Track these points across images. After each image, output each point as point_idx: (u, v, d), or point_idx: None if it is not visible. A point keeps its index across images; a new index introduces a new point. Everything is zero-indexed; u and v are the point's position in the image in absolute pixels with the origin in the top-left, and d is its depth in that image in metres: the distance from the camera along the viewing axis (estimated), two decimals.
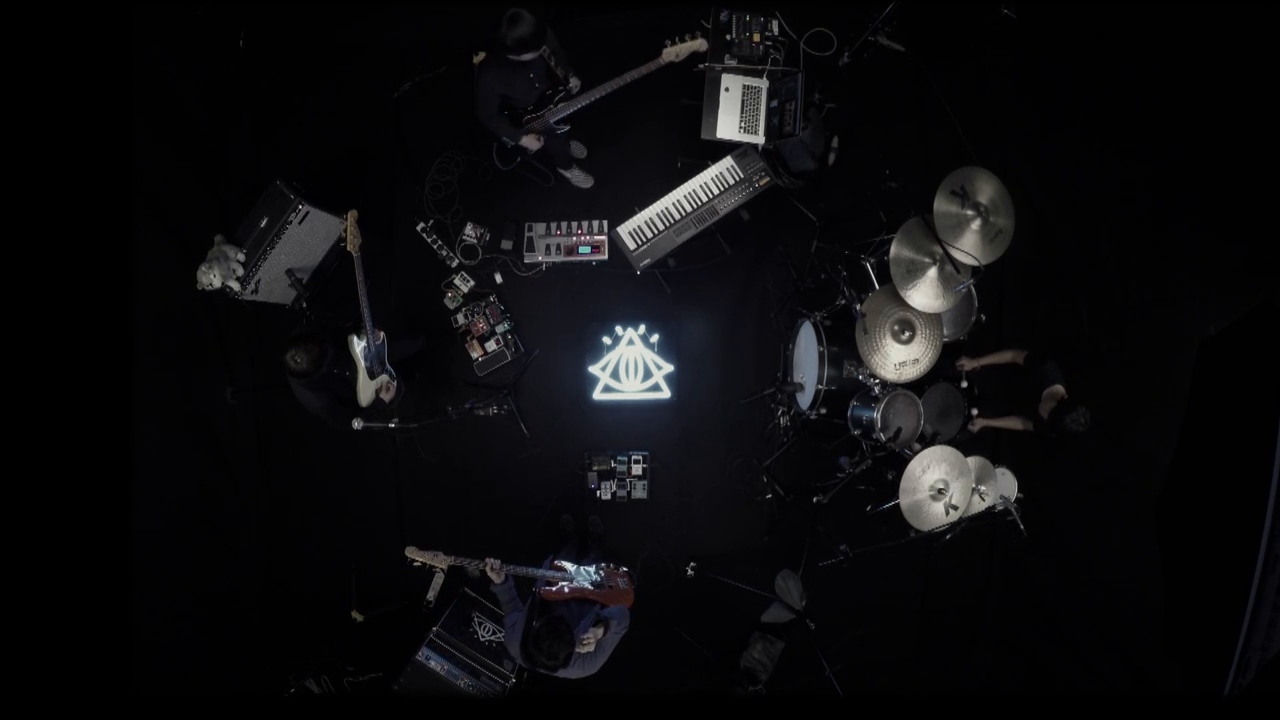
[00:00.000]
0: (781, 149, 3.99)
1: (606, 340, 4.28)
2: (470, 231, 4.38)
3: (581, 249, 4.27)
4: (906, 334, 3.40)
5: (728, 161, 3.84)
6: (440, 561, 3.26)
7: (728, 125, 3.82)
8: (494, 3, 4.27)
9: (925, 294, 3.26)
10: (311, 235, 3.97)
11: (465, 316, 4.38)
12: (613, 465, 4.39)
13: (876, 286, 3.57)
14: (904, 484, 3.28)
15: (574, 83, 3.70)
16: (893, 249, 3.22)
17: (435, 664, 3.99)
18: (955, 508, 3.33)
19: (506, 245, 4.39)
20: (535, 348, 4.42)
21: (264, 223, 3.79)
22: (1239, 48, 3.18)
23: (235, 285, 3.80)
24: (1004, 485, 3.58)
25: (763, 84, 3.80)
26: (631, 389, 4.33)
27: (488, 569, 3.25)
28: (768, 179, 3.83)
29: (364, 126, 4.43)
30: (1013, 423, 3.63)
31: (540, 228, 4.29)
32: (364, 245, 3.38)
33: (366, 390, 3.52)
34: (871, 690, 4.36)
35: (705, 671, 4.38)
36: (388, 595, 4.35)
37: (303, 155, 4.36)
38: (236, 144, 4.34)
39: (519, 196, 4.39)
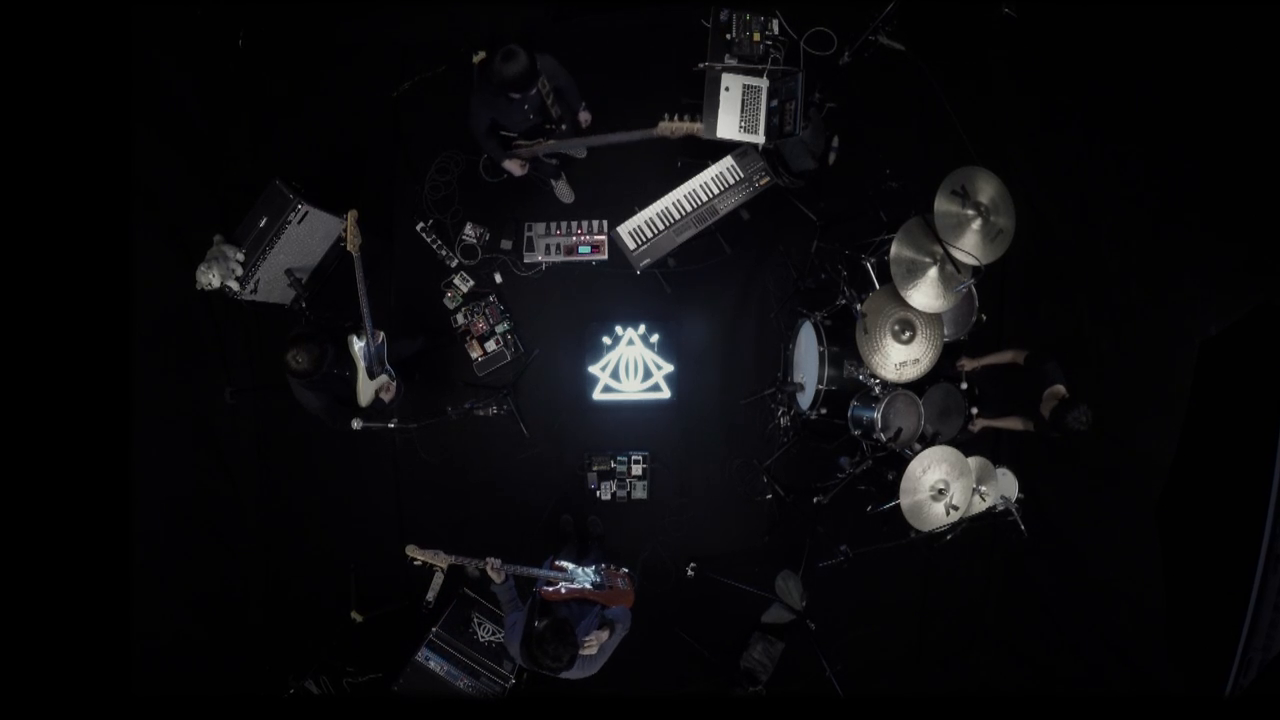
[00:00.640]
0: (782, 148, 3.99)
1: (606, 340, 4.27)
2: (470, 231, 4.37)
3: (581, 249, 4.26)
4: (907, 334, 3.39)
5: (728, 161, 3.83)
6: (441, 560, 3.25)
7: (728, 125, 3.81)
8: (494, 2, 4.30)
9: (926, 294, 3.26)
10: (311, 235, 3.97)
11: (465, 316, 4.37)
12: (613, 465, 4.38)
13: (877, 286, 3.57)
14: (904, 484, 3.28)
15: (584, 116, 3.72)
16: (893, 249, 3.22)
17: (435, 665, 3.98)
18: (956, 508, 3.33)
19: (506, 245, 4.38)
20: (535, 348, 4.42)
21: (263, 222, 3.78)
22: (1239, 48, 3.17)
23: (234, 285, 3.79)
24: (1005, 486, 3.58)
25: (763, 83, 3.79)
26: (631, 389, 4.32)
27: (488, 568, 3.25)
28: (768, 178, 3.82)
29: (363, 126, 4.42)
30: (1013, 423, 3.63)
31: (540, 227, 4.29)
32: (363, 245, 3.37)
33: (366, 390, 3.51)
34: (872, 691, 4.36)
35: (705, 672, 4.37)
36: (387, 596, 4.34)
37: (302, 155, 4.35)
38: (236, 143, 4.33)
39: (519, 196, 4.39)
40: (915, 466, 3.27)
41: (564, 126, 3.49)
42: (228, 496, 4.43)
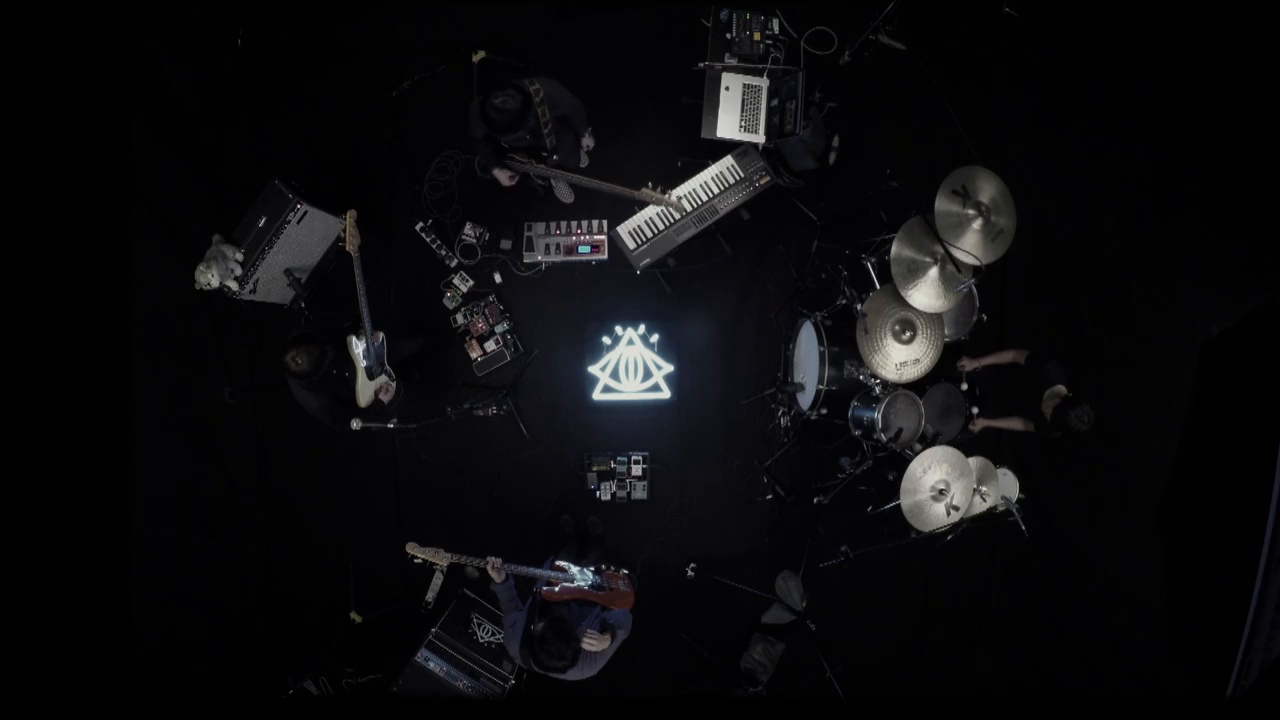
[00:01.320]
0: (782, 148, 3.98)
1: (606, 340, 4.26)
2: (469, 231, 4.36)
3: (581, 248, 4.25)
4: (908, 334, 3.39)
5: (728, 161, 3.82)
6: (441, 559, 3.25)
7: (728, 124, 3.81)
8: (494, 2, 4.29)
9: (926, 294, 3.25)
10: (310, 235, 3.96)
11: (464, 316, 4.36)
12: (612, 466, 4.37)
13: (877, 286, 3.56)
14: (905, 485, 3.27)
15: (587, 142, 3.72)
16: (894, 248, 3.21)
17: (434, 665, 3.97)
18: (956, 508, 3.32)
19: (506, 245, 4.37)
20: (535, 348, 4.41)
21: (262, 222, 3.78)
22: (1239, 48, 3.17)
23: (233, 285, 3.78)
24: (1005, 486, 3.57)
25: (763, 83, 3.78)
26: (631, 389, 4.31)
27: (489, 568, 3.24)
28: (768, 178, 3.82)
29: (363, 125, 4.40)
30: (1014, 423, 3.62)
31: (540, 227, 4.28)
32: (362, 245, 3.36)
33: (365, 391, 3.51)
34: (873, 692, 4.35)
35: (705, 673, 4.36)
36: (387, 596, 4.34)
37: (301, 154, 4.34)
38: (234, 143, 4.32)
39: (518, 196, 4.37)
40: (916, 467, 3.27)
41: (555, 157, 3.52)
42: (226, 497, 4.42)
